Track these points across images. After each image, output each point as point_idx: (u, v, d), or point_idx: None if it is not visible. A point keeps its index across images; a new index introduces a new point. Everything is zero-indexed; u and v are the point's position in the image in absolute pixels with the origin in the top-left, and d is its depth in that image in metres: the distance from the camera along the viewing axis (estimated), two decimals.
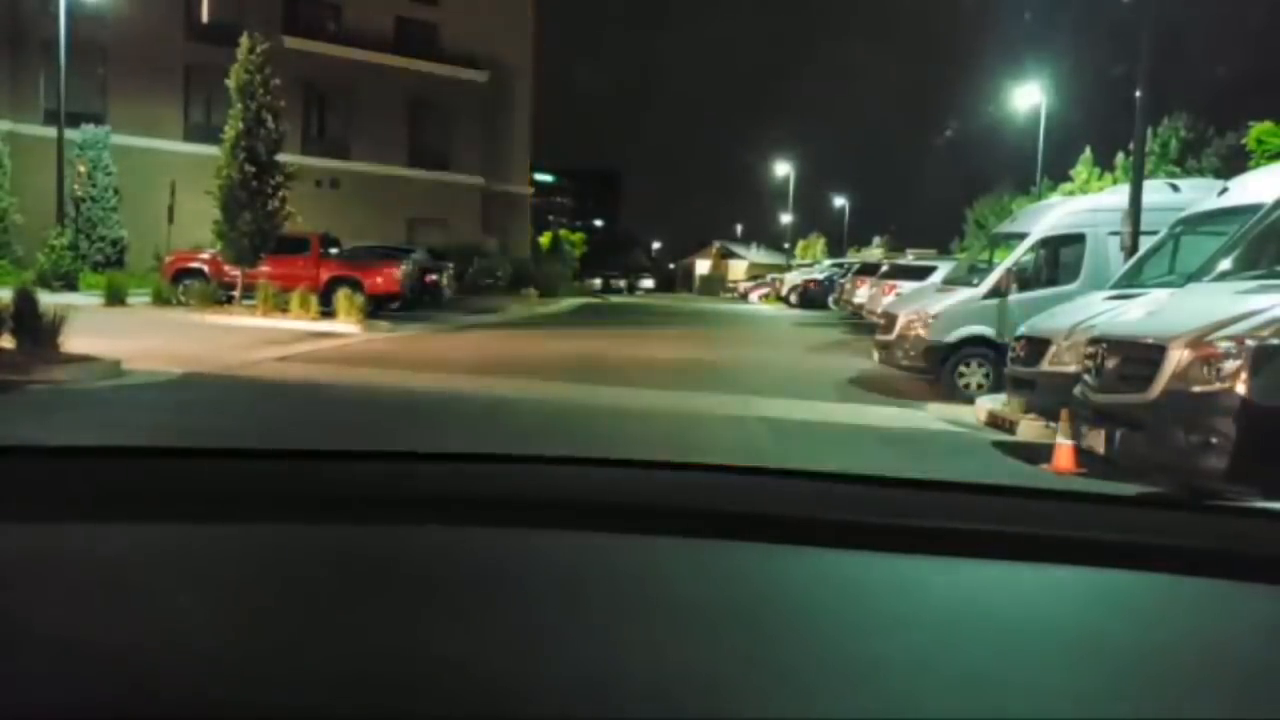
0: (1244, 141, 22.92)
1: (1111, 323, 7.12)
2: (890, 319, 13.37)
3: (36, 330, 10.44)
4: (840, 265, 41.11)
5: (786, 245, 68.40)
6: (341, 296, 19.15)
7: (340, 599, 0.93)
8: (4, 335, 10.45)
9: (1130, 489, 6.08)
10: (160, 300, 21.05)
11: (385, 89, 36.27)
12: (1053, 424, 7.73)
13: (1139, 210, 10.73)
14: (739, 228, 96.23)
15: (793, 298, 41.30)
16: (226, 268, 20.86)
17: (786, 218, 67.96)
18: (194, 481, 1.20)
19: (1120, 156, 31.57)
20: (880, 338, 13.61)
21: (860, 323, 25.35)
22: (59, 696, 0.73)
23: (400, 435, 7.98)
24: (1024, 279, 12.01)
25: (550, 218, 66.95)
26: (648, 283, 72.62)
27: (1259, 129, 21.92)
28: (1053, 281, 11.93)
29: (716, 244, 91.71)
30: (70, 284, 22.54)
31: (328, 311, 19.13)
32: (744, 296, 56.75)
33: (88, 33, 26.76)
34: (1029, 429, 9.09)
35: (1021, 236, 12.35)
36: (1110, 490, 6.11)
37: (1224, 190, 8.93)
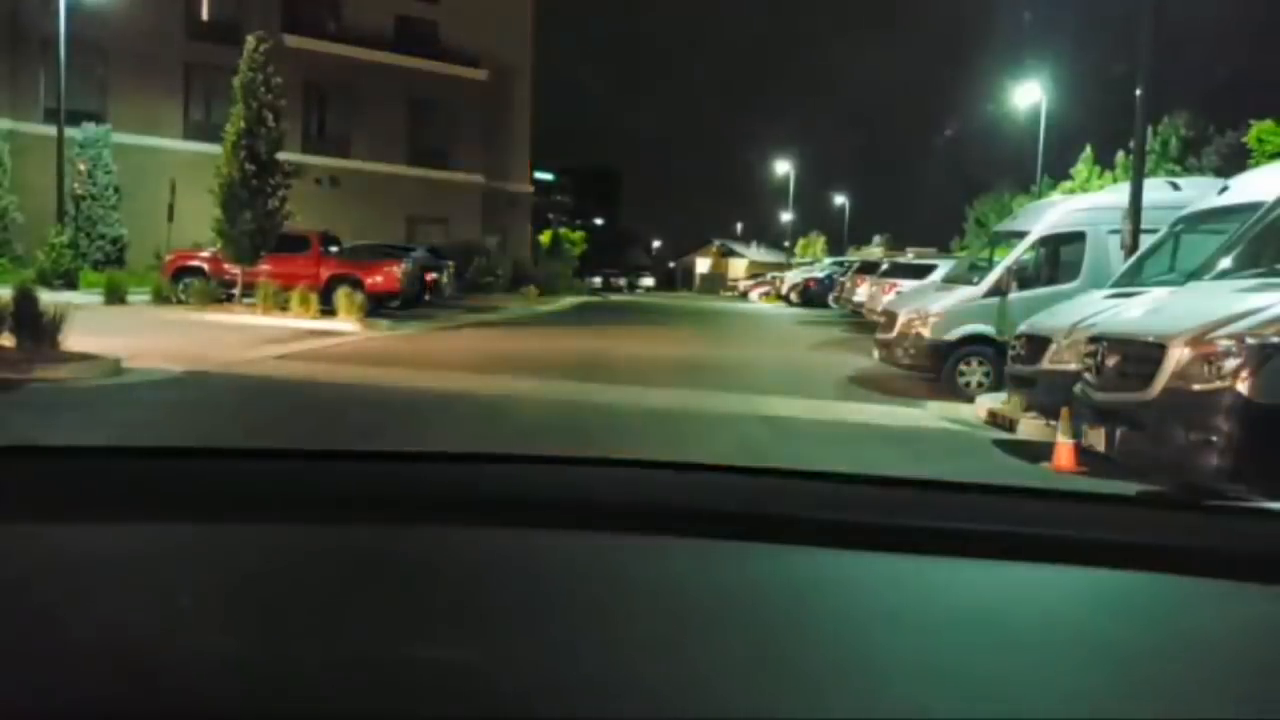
0: (1244, 140, 22.94)
1: (1112, 321, 7.12)
2: (891, 317, 13.37)
3: (37, 328, 10.44)
4: (840, 264, 41.07)
5: (786, 244, 68.42)
6: (341, 295, 19.15)
7: (340, 599, 0.93)
8: (4, 333, 10.46)
9: (1131, 488, 6.08)
10: (160, 298, 21.05)
11: (385, 87, 36.26)
12: (1053, 422, 7.73)
13: (1139, 209, 10.72)
14: (739, 226, 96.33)
15: (793, 296, 41.29)
16: (226, 266, 20.85)
17: (786, 216, 68.00)
18: (194, 481, 1.20)
19: (1121, 155, 31.58)
20: (880, 336, 13.60)
21: (860, 321, 25.33)
22: (59, 696, 0.73)
23: (400, 434, 7.98)
24: (1024, 277, 12.01)
25: (550, 216, 66.89)
26: (648, 281, 72.48)
27: (1259, 128, 21.93)
28: (1053, 280, 11.92)
29: (716, 242, 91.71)
30: (70, 282, 22.52)
31: (328, 310, 19.13)
32: (744, 295, 56.74)
33: (88, 31, 26.73)
34: (1029, 427, 9.09)
35: (1022, 235, 12.34)
36: (1110, 490, 6.11)
37: (1224, 189, 8.93)
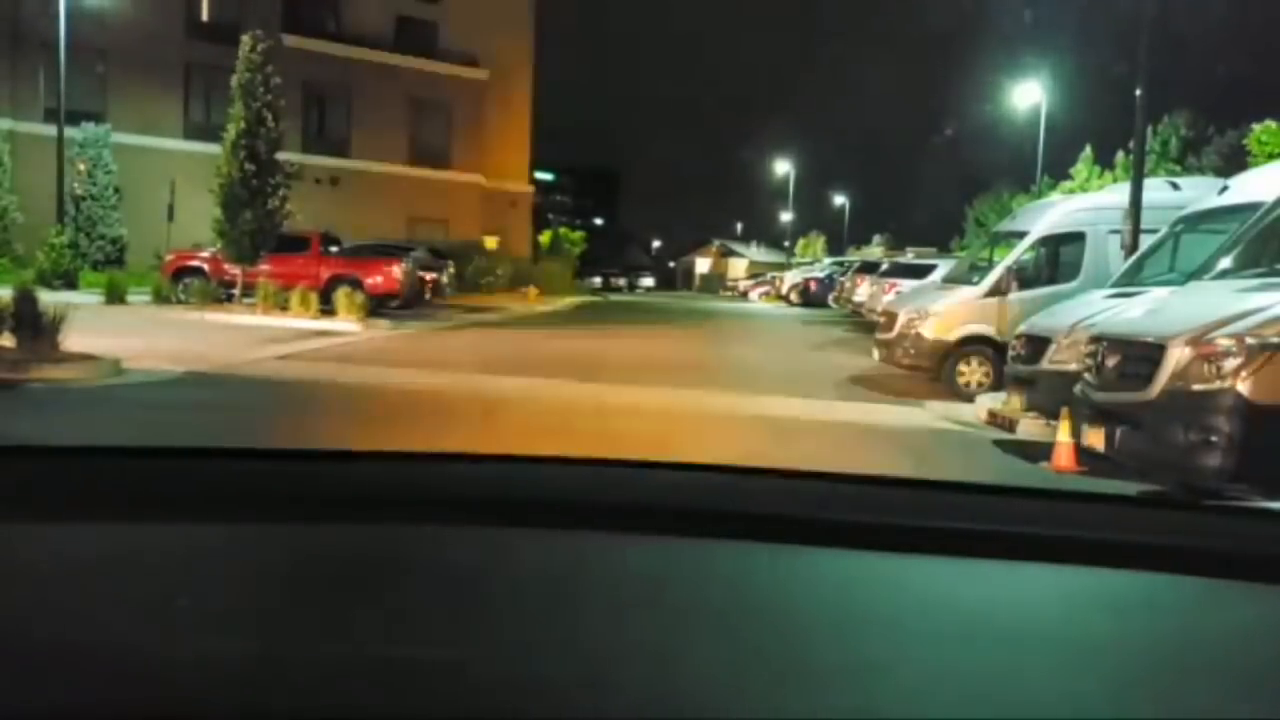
0: (1244, 141, 22.98)
1: (1112, 321, 7.12)
2: (891, 317, 13.37)
3: (37, 329, 10.43)
4: (840, 263, 41.11)
5: (786, 243, 68.43)
6: (341, 295, 19.16)
7: (339, 599, 0.93)
8: (4, 334, 10.45)
9: (1130, 488, 6.08)
10: (160, 298, 21.03)
11: (385, 87, 36.26)
12: (1053, 422, 7.73)
13: (1139, 208, 10.73)
14: (739, 226, 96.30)
15: (793, 296, 41.32)
16: (226, 266, 20.85)
17: (786, 216, 68.00)
18: (194, 481, 1.20)
19: (1120, 155, 31.61)
20: (880, 336, 13.60)
21: (860, 321, 25.34)
22: (59, 696, 0.73)
23: (401, 433, 7.98)
24: (1024, 277, 12.01)
25: (550, 216, 66.99)
26: (647, 281, 72.38)
27: (1261, 130, 21.97)
28: (1053, 280, 11.92)
29: (716, 242, 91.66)
30: (70, 282, 22.51)
31: (328, 310, 19.14)
32: (744, 295, 56.72)
33: (88, 31, 26.73)
34: (1029, 427, 9.09)
35: (1022, 235, 12.35)
36: (1110, 490, 6.11)
37: (1224, 189, 8.93)
